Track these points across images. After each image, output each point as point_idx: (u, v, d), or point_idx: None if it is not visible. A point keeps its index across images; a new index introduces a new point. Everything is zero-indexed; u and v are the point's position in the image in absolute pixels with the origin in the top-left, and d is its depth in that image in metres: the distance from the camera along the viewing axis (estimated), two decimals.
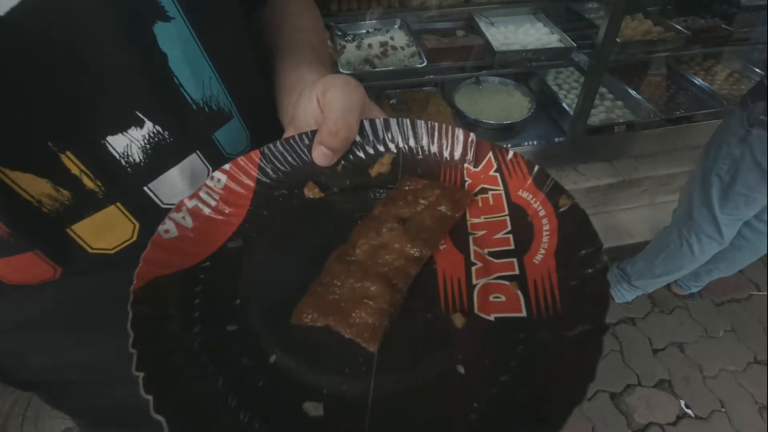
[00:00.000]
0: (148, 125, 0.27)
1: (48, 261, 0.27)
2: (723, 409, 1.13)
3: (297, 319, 0.22)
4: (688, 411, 1.12)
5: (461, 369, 0.20)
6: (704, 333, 1.28)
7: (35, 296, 0.29)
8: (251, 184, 0.28)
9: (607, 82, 1.38)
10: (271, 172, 0.28)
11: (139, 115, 0.26)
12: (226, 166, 0.27)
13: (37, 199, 0.25)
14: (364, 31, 1.30)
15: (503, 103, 1.34)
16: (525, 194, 0.26)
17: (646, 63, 1.45)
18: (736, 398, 1.14)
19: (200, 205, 0.26)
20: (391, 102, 1.32)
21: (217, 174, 0.27)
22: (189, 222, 0.25)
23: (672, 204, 1.16)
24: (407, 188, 0.27)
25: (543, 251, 0.23)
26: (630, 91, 1.34)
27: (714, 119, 1.30)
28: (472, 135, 0.28)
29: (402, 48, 1.23)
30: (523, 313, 0.21)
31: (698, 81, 1.40)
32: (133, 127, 0.26)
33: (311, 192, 0.28)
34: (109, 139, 0.26)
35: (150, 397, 0.17)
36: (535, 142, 1.28)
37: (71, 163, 0.25)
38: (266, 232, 0.26)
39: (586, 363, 0.17)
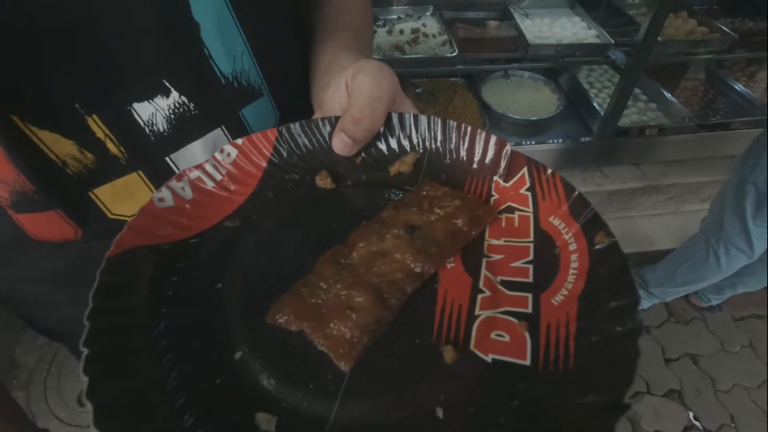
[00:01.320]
0: (174, 95, 0.27)
1: (69, 221, 0.27)
2: (732, 425, 1.11)
3: (271, 318, 0.20)
4: (697, 423, 1.11)
5: (440, 413, 0.17)
6: (720, 347, 1.25)
7: (58, 253, 0.30)
8: (263, 163, 0.26)
9: (641, 83, 1.33)
10: (285, 154, 0.27)
11: (166, 83, 0.26)
12: (239, 141, 0.26)
13: (62, 160, 0.25)
14: (396, 17, 1.28)
15: (531, 98, 1.31)
16: (557, 221, 0.23)
17: (685, 65, 1.39)
18: (748, 414, 1.12)
19: (204, 178, 0.24)
20: (416, 91, 1.30)
21: (228, 147, 0.25)
22: (188, 193, 0.24)
23: (699, 213, 1.13)
24: (424, 193, 0.25)
25: (565, 292, 0.20)
26: (665, 93, 1.29)
27: (752, 128, 1.24)
28: (508, 146, 0.26)
29: (433, 36, 1.21)
30: (527, 361, 0.18)
31: (739, 87, 1.34)
32: (159, 96, 0.26)
33: (323, 181, 0.26)
34: (135, 105, 0.26)
35: (86, 379, 0.15)
36: (560, 141, 1.25)
37: (97, 127, 0.25)
38: (268, 217, 0.24)
39: None
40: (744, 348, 1.25)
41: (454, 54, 1.14)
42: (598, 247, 0.21)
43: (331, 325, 0.19)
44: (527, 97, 1.31)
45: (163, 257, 0.21)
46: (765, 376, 1.19)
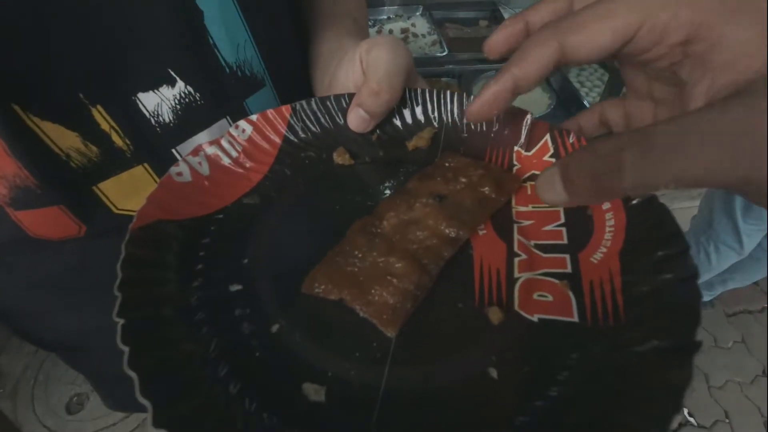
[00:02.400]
0: (180, 85, 0.26)
1: (72, 217, 0.27)
2: (727, 420, 1.11)
3: (308, 288, 0.19)
4: (691, 419, 1.11)
5: (493, 373, 0.17)
6: (713, 343, 1.26)
7: (59, 253, 0.29)
8: (278, 140, 0.26)
9: None
10: (300, 131, 0.26)
11: (172, 73, 0.26)
12: (253, 117, 0.25)
13: (66, 153, 0.24)
14: (385, 17, 1.28)
15: (522, 97, 1.30)
16: None
17: None
18: (742, 410, 1.13)
19: (220, 154, 0.24)
20: None
21: (243, 123, 0.25)
22: (205, 169, 0.23)
23: (690, 211, 1.14)
24: (447, 165, 0.24)
25: (604, 250, 0.20)
26: None
27: None
28: (528, 115, 0.25)
29: (423, 36, 1.21)
30: (575, 318, 0.18)
31: None
32: (164, 86, 0.26)
33: (341, 158, 0.26)
34: (140, 96, 0.25)
35: (126, 349, 0.14)
36: None
37: (101, 118, 0.24)
38: (286, 194, 0.24)
39: (667, 388, 0.14)
40: (737, 343, 1.27)
41: (444, 53, 1.14)
42: (634, 202, 0.20)
43: (373, 291, 0.19)
44: (519, 97, 1.31)
45: (187, 232, 0.21)
46: (758, 371, 1.20)
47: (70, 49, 0.22)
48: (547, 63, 0.18)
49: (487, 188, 0.23)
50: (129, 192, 0.28)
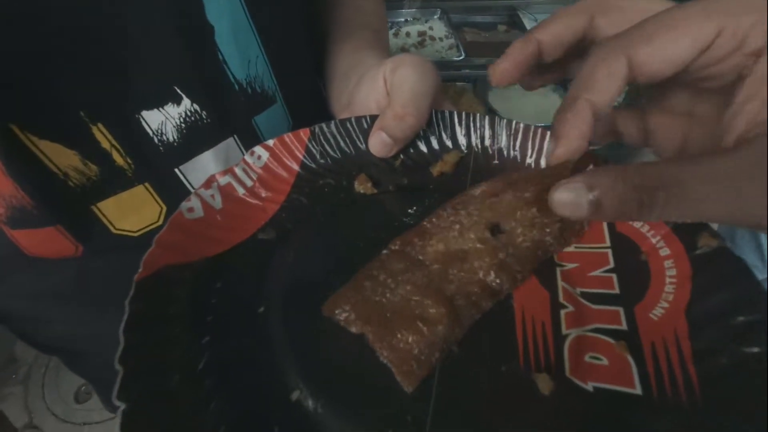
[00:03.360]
0: (186, 103, 0.26)
1: (69, 237, 0.26)
2: None
3: (329, 311, 0.18)
4: None
5: None
6: None
7: (55, 270, 0.29)
8: (295, 167, 0.24)
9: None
10: (319, 157, 0.25)
11: (178, 90, 0.25)
12: (270, 142, 0.24)
13: (64, 172, 0.24)
14: (403, 20, 1.28)
15: (538, 104, 1.29)
16: (638, 224, 0.20)
17: None
18: None
19: (234, 184, 0.22)
20: None
21: (259, 150, 0.24)
22: (218, 202, 0.22)
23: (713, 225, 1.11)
24: (525, 184, 0.20)
25: (665, 305, 0.17)
26: None
27: None
28: None
29: (440, 39, 1.21)
30: (637, 389, 0.15)
31: None
32: (169, 104, 0.25)
33: (362, 186, 0.24)
34: (144, 114, 0.25)
35: None
36: None
37: (102, 137, 0.24)
38: (304, 226, 0.22)
39: None
40: None
41: (461, 58, 1.13)
42: (701, 251, 0.18)
43: (398, 335, 0.17)
44: (534, 102, 1.29)
45: (197, 276, 0.19)
46: None
47: (70, 66, 0.22)
48: (618, 83, 0.17)
49: (549, 231, 0.20)
50: (129, 212, 0.27)
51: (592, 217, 0.15)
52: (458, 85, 1.34)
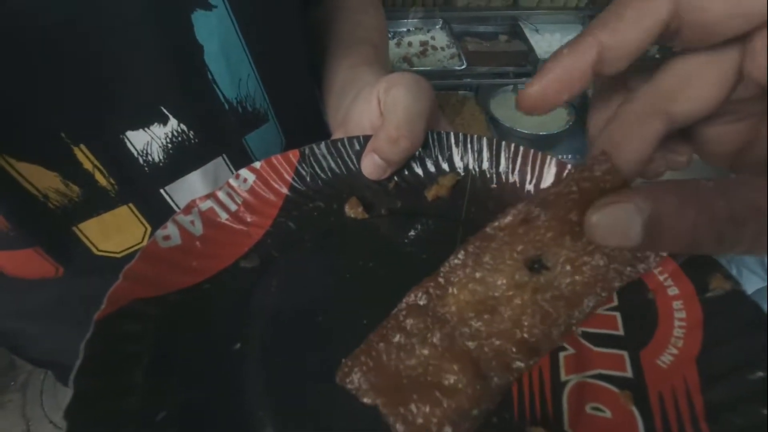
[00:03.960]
0: (173, 123, 0.25)
1: (49, 259, 0.26)
2: None
3: (341, 380, 0.16)
4: None
5: None
6: None
7: (35, 290, 0.28)
8: (283, 190, 0.23)
9: None
10: (309, 179, 0.23)
11: (164, 111, 0.25)
12: (257, 164, 0.22)
13: (44, 194, 0.23)
14: (405, 30, 1.28)
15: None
16: None
17: None
18: None
19: (216, 209, 0.21)
20: None
21: (244, 172, 0.22)
22: (198, 228, 0.20)
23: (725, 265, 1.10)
24: (574, 189, 0.15)
25: (674, 351, 0.16)
26: None
27: None
28: (569, 167, 0.22)
29: (442, 49, 1.21)
30: None
31: None
32: (156, 124, 0.25)
33: (353, 210, 0.22)
34: (129, 134, 0.24)
35: None
36: (570, 156, 1.24)
37: (84, 157, 0.23)
38: (291, 253, 0.21)
39: None
40: None
41: (463, 67, 1.13)
42: (711, 294, 0.16)
43: (413, 407, 0.15)
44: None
45: (169, 311, 0.17)
46: None
47: (52, 87, 0.21)
48: (651, 22, 0.12)
49: (617, 256, 0.16)
50: (112, 233, 0.27)
51: (646, 249, 0.12)
52: (460, 93, 1.34)
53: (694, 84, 0.13)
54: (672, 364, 0.15)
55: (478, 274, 0.16)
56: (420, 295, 0.16)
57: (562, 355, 0.17)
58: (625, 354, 0.16)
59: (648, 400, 0.15)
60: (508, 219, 0.16)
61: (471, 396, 0.14)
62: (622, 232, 0.12)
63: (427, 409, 0.14)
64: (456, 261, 0.16)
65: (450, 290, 0.16)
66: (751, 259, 0.94)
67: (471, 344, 0.16)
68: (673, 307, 0.17)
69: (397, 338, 0.16)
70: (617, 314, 0.17)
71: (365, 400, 0.15)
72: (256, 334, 0.17)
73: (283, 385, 0.16)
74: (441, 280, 0.17)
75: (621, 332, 0.17)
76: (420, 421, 0.14)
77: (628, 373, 0.16)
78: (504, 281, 0.16)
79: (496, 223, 0.16)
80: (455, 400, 0.14)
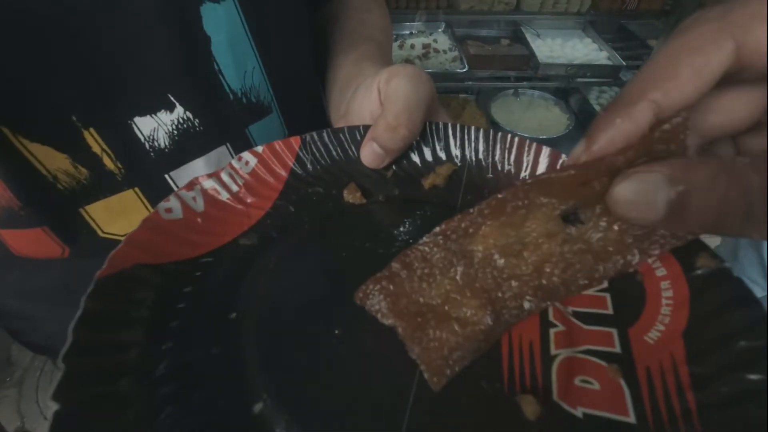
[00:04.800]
0: (179, 110, 0.26)
1: (56, 239, 0.26)
2: None
3: (361, 299, 0.16)
4: None
5: None
6: None
7: (42, 270, 0.29)
8: (284, 174, 0.24)
9: None
10: (309, 165, 0.24)
11: (171, 98, 0.25)
12: (259, 148, 0.23)
13: (53, 175, 0.24)
14: (408, 32, 1.29)
15: (540, 117, 1.30)
16: None
17: None
18: None
19: (218, 188, 0.22)
20: None
21: (247, 155, 0.23)
22: (200, 205, 0.21)
23: (712, 241, 1.10)
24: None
25: (662, 327, 0.16)
26: None
27: None
28: (563, 157, 0.22)
29: (444, 51, 1.22)
30: (631, 418, 0.14)
31: None
32: (162, 111, 0.25)
33: (352, 196, 0.23)
34: (137, 120, 0.25)
35: None
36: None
37: (93, 141, 0.24)
38: (289, 234, 0.21)
39: None
40: None
41: (464, 70, 1.14)
42: (699, 272, 0.17)
43: (430, 332, 0.16)
44: (537, 115, 1.30)
45: (167, 279, 0.18)
46: None
47: (65, 72, 0.22)
48: (710, 77, 0.12)
49: (638, 231, 0.16)
50: (117, 215, 0.27)
51: (668, 224, 0.11)
52: (461, 96, 1.35)
53: (680, 73, 0.12)
54: (659, 340, 0.16)
55: (514, 218, 0.16)
56: (450, 228, 0.17)
57: (552, 331, 0.17)
58: (614, 331, 0.17)
59: (635, 373, 0.15)
60: (567, 174, 0.15)
61: (483, 330, 0.16)
62: (645, 204, 0.11)
63: (444, 335, 0.15)
64: (495, 202, 0.16)
65: (482, 230, 0.17)
66: (753, 268, 0.95)
67: (491, 283, 0.16)
68: (660, 287, 0.17)
69: (420, 268, 0.17)
70: (607, 295, 0.18)
71: (385, 321, 0.16)
72: (252, 306, 0.18)
73: (274, 350, 0.16)
74: (476, 215, 0.17)
75: (610, 311, 0.17)
76: (435, 344, 0.15)
77: (617, 349, 0.16)
78: (537, 228, 0.16)
79: (553, 174, 0.16)
80: (469, 331, 0.16)
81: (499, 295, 0.16)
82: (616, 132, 0.13)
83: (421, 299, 0.16)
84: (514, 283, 0.16)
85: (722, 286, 0.16)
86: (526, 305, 0.16)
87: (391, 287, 0.16)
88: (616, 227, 0.16)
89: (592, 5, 1.24)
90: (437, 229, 0.17)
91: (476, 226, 0.17)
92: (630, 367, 0.15)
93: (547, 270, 0.16)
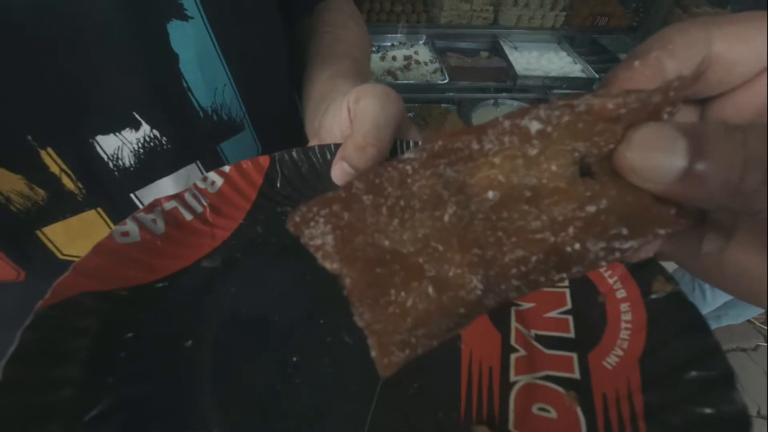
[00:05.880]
0: (145, 128, 0.25)
1: (10, 263, 0.25)
2: None
3: (296, 225, 0.12)
4: None
5: None
6: None
7: None
8: (252, 193, 0.23)
9: None
10: (278, 184, 0.23)
11: (136, 116, 0.24)
12: (225, 168, 0.22)
13: (6, 196, 0.23)
14: (390, 44, 1.31)
15: None
16: None
17: None
18: None
19: (181, 209, 0.21)
20: (408, 115, 1.33)
21: (213, 175, 0.22)
22: (160, 227, 0.20)
23: (668, 265, 1.14)
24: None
25: (620, 352, 0.16)
26: None
27: None
28: None
29: (425, 63, 1.24)
30: None
31: None
32: (127, 129, 0.24)
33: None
34: (99, 138, 0.24)
35: None
36: None
37: (51, 161, 0.23)
38: (254, 255, 0.20)
39: None
40: None
41: (445, 81, 1.16)
42: (655, 296, 0.17)
43: (392, 292, 0.11)
44: None
45: (116, 307, 0.17)
46: (752, 411, 1.18)
47: (20, 89, 0.21)
48: (697, 57, 0.12)
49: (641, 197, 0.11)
50: (77, 237, 0.26)
51: (679, 193, 0.09)
52: (442, 106, 1.38)
53: (755, 23, 0.12)
54: (617, 366, 0.16)
55: (526, 150, 0.11)
56: (447, 147, 0.11)
57: (513, 356, 0.17)
58: (574, 356, 0.17)
59: (592, 401, 0.15)
60: (611, 104, 0.10)
61: (466, 301, 0.11)
62: (657, 166, 0.09)
63: (411, 299, 0.11)
64: (506, 125, 0.11)
65: (486, 157, 0.11)
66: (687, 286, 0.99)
67: (489, 235, 0.11)
68: (620, 309, 0.17)
69: (394, 196, 0.11)
70: (569, 317, 0.18)
71: (326, 264, 0.11)
72: (209, 332, 0.17)
73: (233, 383, 0.15)
74: (480, 135, 0.11)
75: (572, 335, 0.17)
76: (395, 311, 0.11)
77: (576, 374, 0.16)
78: (553, 168, 0.11)
79: (582, 107, 0.11)
80: (447, 299, 0.11)
81: (498, 254, 0.11)
82: (635, 73, 0.12)
83: (387, 242, 0.11)
84: (518, 240, 0.11)
85: (677, 312, 0.16)
86: (537, 278, 0.11)
87: (346, 216, 0.11)
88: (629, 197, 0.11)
89: (566, 21, 1.29)
90: (428, 143, 0.12)
91: (485, 151, 0.11)
92: (587, 394, 0.15)
93: (567, 228, 0.11)
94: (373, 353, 0.11)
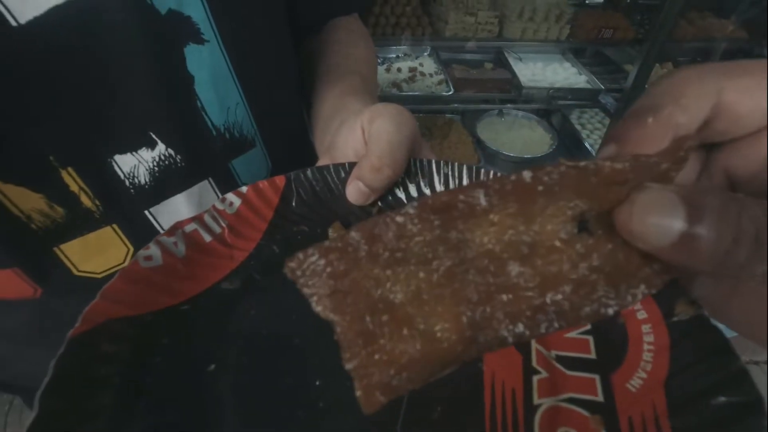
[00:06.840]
0: (160, 147, 0.26)
1: (27, 280, 0.25)
2: None
3: (292, 270, 0.12)
4: None
5: None
6: None
7: (11, 311, 0.28)
8: (269, 213, 0.23)
9: None
10: (294, 204, 0.24)
11: (153, 136, 0.25)
12: (243, 189, 0.23)
13: (27, 215, 0.23)
14: (395, 56, 1.33)
15: (525, 137, 1.34)
16: None
17: None
18: None
19: (201, 231, 0.21)
20: None
21: (231, 196, 0.22)
22: (181, 250, 0.20)
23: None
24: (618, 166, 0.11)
25: (644, 375, 0.16)
26: None
27: None
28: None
29: (430, 75, 1.25)
30: None
31: None
32: (144, 148, 0.25)
33: (337, 234, 0.22)
34: (117, 158, 0.25)
35: None
36: None
37: (71, 180, 0.24)
38: (272, 276, 0.21)
39: None
40: None
41: (450, 93, 1.17)
42: (677, 318, 0.17)
43: (381, 343, 0.11)
44: (521, 135, 1.34)
45: (145, 331, 0.17)
46: None
47: (43, 113, 0.21)
48: (706, 109, 0.12)
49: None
50: (93, 253, 0.27)
51: (674, 256, 0.10)
52: (447, 117, 1.38)
53: (687, 93, 0.12)
54: (641, 388, 0.16)
55: (532, 208, 0.12)
56: (450, 203, 0.12)
57: (535, 378, 0.17)
58: (596, 378, 0.16)
59: (618, 425, 0.15)
60: (619, 166, 0.11)
61: (449, 353, 0.11)
62: (658, 229, 0.10)
63: (397, 349, 0.11)
64: (510, 185, 0.12)
65: (492, 215, 0.12)
66: None
67: (482, 291, 0.12)
68: (642, 330, 0.17)
69: (390, 249, 0.12)
70: (590, 338, 0.18)
71: (318, 310, 0.12)
72: (231, 356, 0.17)
73: (256, 409, 0.16)
74: (488, 197, 0.12)
75: (593, 356, 0.17)
76: (382, 359, 0.11)
77: (599, 397, 0.16)
78: (553, 227, 0.12)
79: (592, 165, 0.11)
80: (431, 350, 0.11)
81: (487, 310, 0.11)
82: (647, 131, 0.12)
83: (379, 291, 0.12)
84: (509, 298, 0.12)
85: (701, 336, 0.16)
86: (519, 329, 0.11)
87: (342, 266, 0.12)
88: (621, 255, 0.12)
89: (571, 33, 1.30)
90: (429, 198, 0.12)
91: (485, 208, 0.12)
92: (613, 418, 0.15)
93: (559, 287, 0.11)
94: (357, 393, 0.12)
